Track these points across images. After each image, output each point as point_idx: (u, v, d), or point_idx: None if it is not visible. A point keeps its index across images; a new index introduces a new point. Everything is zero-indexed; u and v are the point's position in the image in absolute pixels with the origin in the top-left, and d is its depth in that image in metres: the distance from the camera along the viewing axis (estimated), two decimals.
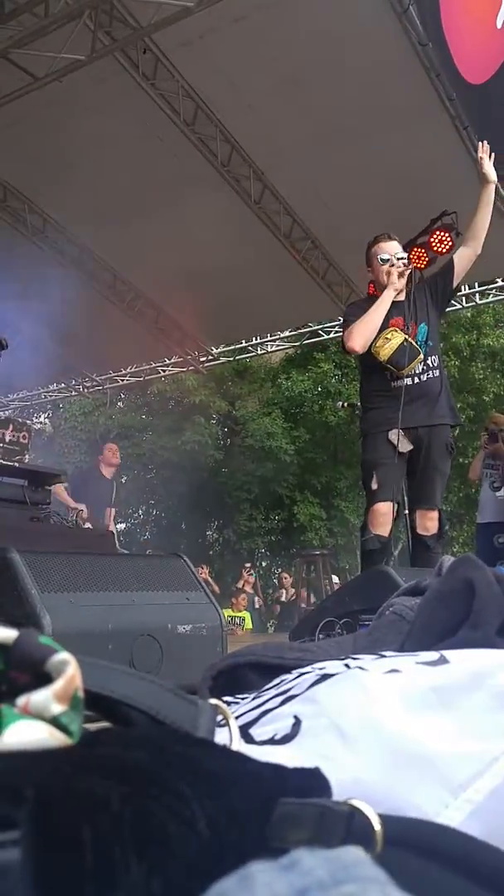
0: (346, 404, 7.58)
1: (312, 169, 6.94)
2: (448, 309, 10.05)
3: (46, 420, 21.68)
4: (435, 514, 4.15)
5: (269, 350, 11.60)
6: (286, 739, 0.56)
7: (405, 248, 6.60)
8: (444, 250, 6.49)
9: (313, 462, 17.70)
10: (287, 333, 11.03)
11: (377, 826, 0.41)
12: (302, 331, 10.91)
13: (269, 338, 10.83)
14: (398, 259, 4.26)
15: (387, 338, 4.07)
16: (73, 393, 12.63)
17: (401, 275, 4.16)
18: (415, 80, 5.82)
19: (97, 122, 6.52)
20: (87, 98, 6.24)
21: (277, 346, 11.56)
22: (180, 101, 6.40)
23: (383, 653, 0.74)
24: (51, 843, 0.30)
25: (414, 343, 4.09)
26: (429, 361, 4.15)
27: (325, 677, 0.64)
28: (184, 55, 6.03)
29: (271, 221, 7.67)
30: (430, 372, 4.14)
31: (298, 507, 17.24)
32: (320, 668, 0.68)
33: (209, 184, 7.15)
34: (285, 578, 13.42)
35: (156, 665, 2.25)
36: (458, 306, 9.89)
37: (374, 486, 4.02)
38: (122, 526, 20.45)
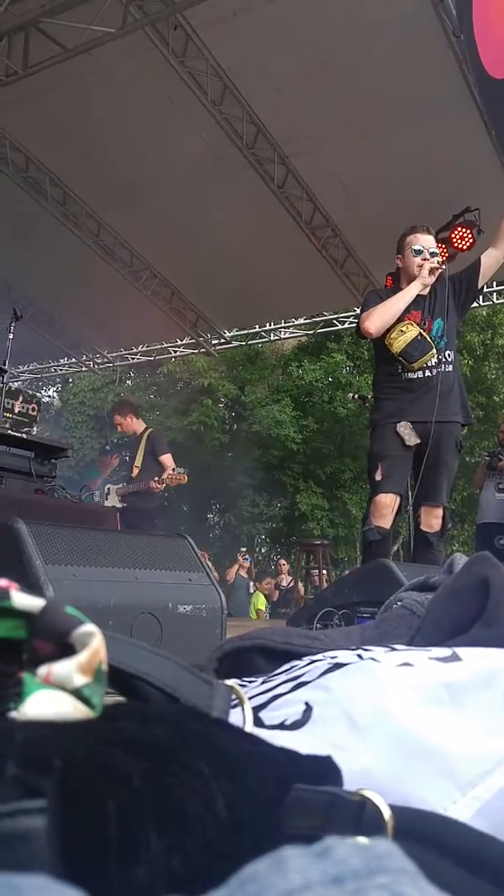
0: (357, 396, 7.55)
1: (337, 156, 6.89)
2: None
3: (55, 394, 21.70)
4: (440, 511, 4.12)
5: (283, 337, 11.57)
6: (297, 725, 0.56)
7: None
8: (465, 247, 6.45)
9: (319, 452, 17.67)
10: (301, 321, 10.99)
11: (387, 816, 0.41)
12: (316, 319, 10.86)
13: (282, 324, 10.79)
14: (431, 254, 4.21)
15: (402, 330, 4.04)
16: (83, 368, 12.62)
17: (431, 271, 4.12)
18: (447, 71, 5.77)
19: (123, 98, 6.48)
20: (115, 73, 6.19)
21: (291, 333, 11.52)
22: (208, 80, 6.35)
23: (394, 646, 0.74)
24: (75, 814, 0.30)
25: (428, 338, 4.06)
26: (443, 356, 4.11)
27: (337, 666, 0.64)
28: (214, 33, 5.97)
29: (293, 207, 7.62)
30: (444, 366, 4.09)
31: (301, 496, 17.24)
32: (332, 657, 0.67)
33: (233, 165, 7.11)
34: (283, 565, 13.45)
35: (154, 643, 2.26)
36: (475, 304, 9.84)
37: (379, 476, 4.01)
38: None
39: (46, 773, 0.31)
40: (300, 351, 18.25)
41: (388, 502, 3.95)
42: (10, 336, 4.58)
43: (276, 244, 8.07)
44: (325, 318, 10.66)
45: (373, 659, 0.65)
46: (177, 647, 2.28)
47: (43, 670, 0.39)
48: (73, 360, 12.15)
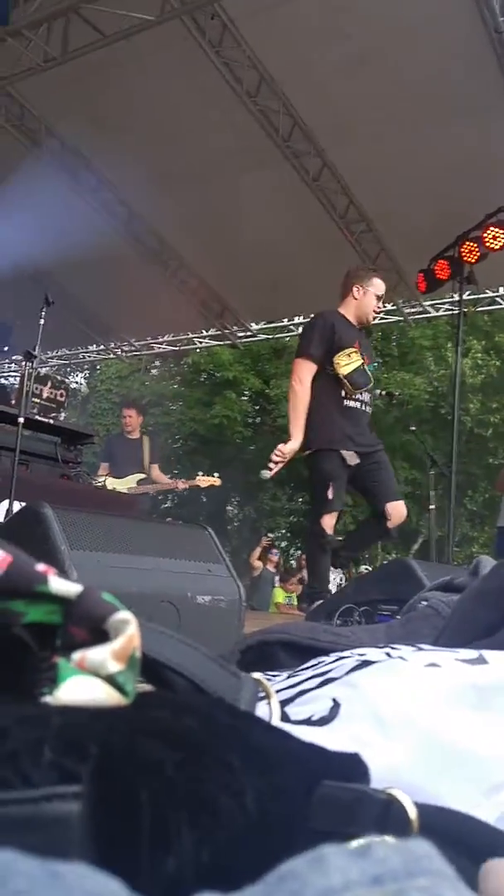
0: (384, 392, 7.52)
1: (373, 151, 6.84)
2: (493, 308, 9.95)
3: (83, 380, 21.82)
4: (402, 504, 4.45)
5: None
6: (324, 721, 0.56)
7: (458, 242, 6.54)
8: (497, 247, 6.40)
9: None
10: None
11: (413, 815, 0.41)
12: None
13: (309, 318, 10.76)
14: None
15: (349, 355, 4.26)
16: (111, 355, 12.66)
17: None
18: (486, 69, 5.71)
19: (160, 86, 6.47)
20: (152, 61, 6.19)
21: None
22: (245, 71, 6.33)
23: (421, 646, 0.74)
24: (109, 801, 0.30)
25: (367, 370, 4.39)
26: (372, 395, 4.54)
27: (365, 663, 0.64)
28: (252, 24, 5.95)
29: (327, 200, 7.58)
30: (370, 407, 4.49)
31: None
32: (360, 654, 0.67)
33: (267, 157, 7.08)
34: (304, 561, 13.44)
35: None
36: (503, 305, 9.76)
37: (330, 496, 4.20)
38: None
39: (83, 758, 0.31)
40: None
41: (334, 519, 4.30)
42: (42, 322, 4.60)
43: (308, 237, 8.04)
44: None
45: (401, 658, 0.65)
46: (194, 637, 2.28)
47: (77, 656, 0.39)
48: (102, 346, 12.20)
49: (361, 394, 4.28)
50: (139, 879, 0.29)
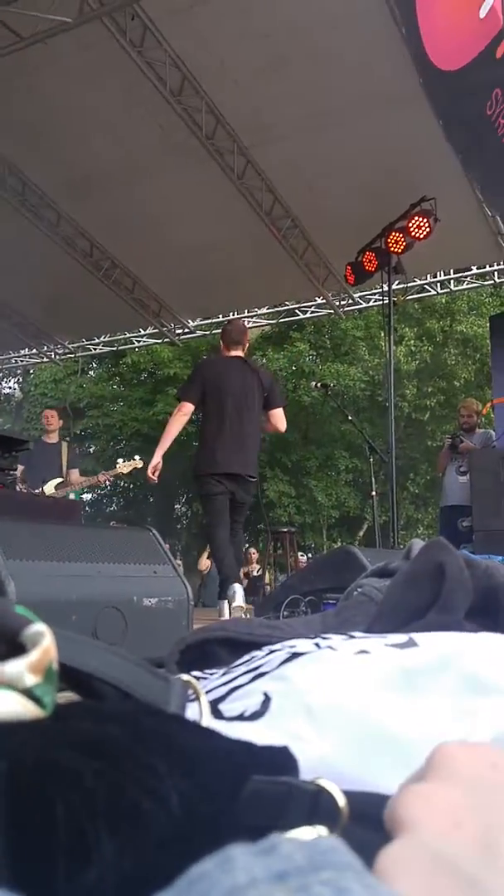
0: (320, 385, 7.58)
1: (297, 148, 6.88)
2: (422, 295, 10.11)
3: (16, 385, 21.44)
4: None
5: (246, 326, 11.54)
6: (256, 716, 0.56)
7: (384, 233, 6.63)
8: (422, 236, 6.51)
9: (284, 441, 17.72)
10: (264, 311, 10.99)
11: (342, 804, 0.41)
12: (279, 309, 10.87)
13: (246, 314, 10.78)
14: None
15: None
16: (45, 359, 12.48)
17: None
18: (402, 63, 5.76)
19: (82, 88, 6.39)
20: (73, 63, 6.10)
21: (254, 322, 11.51)
22: (167, 70, 6.28)
23: (352, 633, 0.75)
24: (24, 817, 0.30)
25: None
26: None
27: (295, 655, 0.64)
28: (173, 24, 5.91)
29: (253, 197, 7.60)
30: None
31: (268, 484, 17.28)
32: (290, 647, 0.68)
33: (192, 156, 7.06)
34: (252, 554, 13.47)
35: (119, 637, 2.25)
36: (433, 292, 9.93)
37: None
38: (88, 496, 20.34)
39: None
40: (264, 340, 18.26)
41: None
42: None
43: (237, 234, 8.05)
44: (287, 307, 10.67)
45: (330, 647, 0.65)
46: (142, 640, 2.28)
47: None
48: (34, 350, 12.01)
49: None
50: (56, 894, 0.29)
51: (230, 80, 6.26)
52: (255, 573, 12.41)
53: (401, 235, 6.53)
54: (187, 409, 5.05)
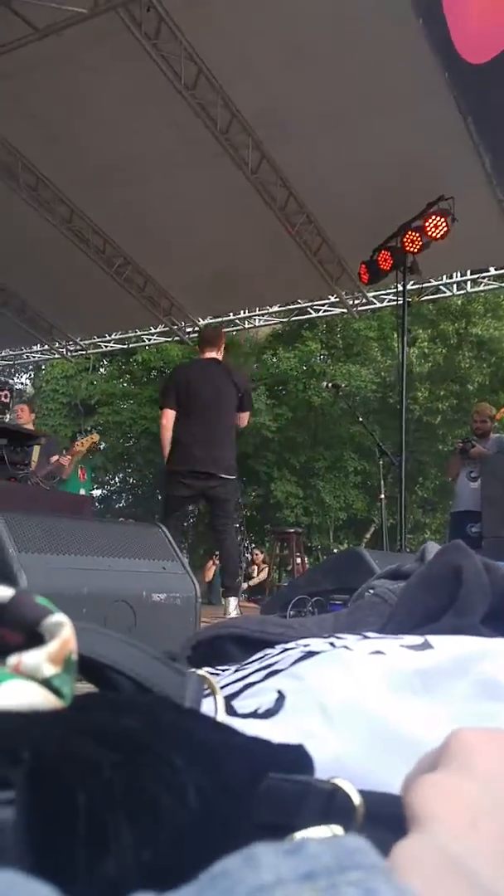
0: (331, 385, 7.57)
1: (312, 143, 6.85)
2: (438, 296, 10.08)
3: (28, 381, 21.50)
4: None
5: (257, 325, 11.54)
6: (269, 714, 0.56)
7: (400, 231, 6.60)
8: (439, 235, 6.48)
9: (294, 441, 17.72)
10: (276, 309, 10.98)
11: (357, 803, 0.41)
12: (291, 307, 10.85)
13: (257, 312, 10.77)
14: None
15: None
16: (56, 356, 12.51)
17: None
18: (422, 61, 5.74)
19: (95, 81, 6.38)
20: (87, 55, 6.10)
21: (265, 321, 11.50)
22: (182, 63, 6.28)
23: (367, 633, 0.74)
24: (45, 806, 0.30)
25: None
26: None
27: (310, 654, 0.64)
28: (189, 16, 5.90)
29: (267, 193, 7.58)
30: None
31: (276, 485, 17.28)
32: (305, 645, 0.67)
33: (206, 151, 7.04)
34: (257, 555, 13.47)
35: (128, 632, 2.25)
36: (448, 293, 9.89)
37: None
38: (98, 492, 20.38)
39: (14, 764, 0.30)
40: (275, 339, 18.25)
41: None
42: None
43: (250, 231, 8.03)
44: (299, 305, 10.64)
45: (345, 647, 0.65)
46: (150, 635, 2.28)
47: (13, 660, 0.38)
48: (46, 346, 12.04)
49: None
50: (76, 883, 0.28)
51: (246, 74, 6.25)
52: (256, 576, 12.41)
53: (417, 235, 6.51)
54: (169, 415, 5.18)
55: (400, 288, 6.65)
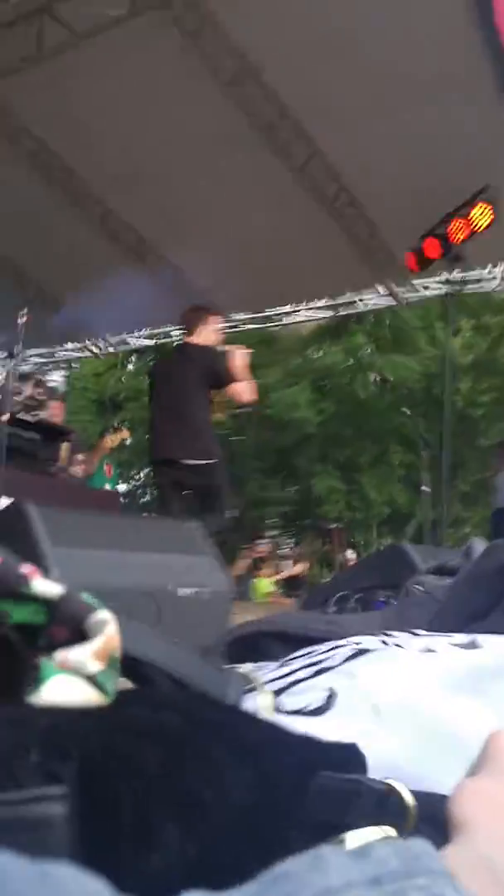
0: (379, 378, 7.54)
1: (359, 134, 6.78)
2: (482, 287, 9.92)
3: (62, 378, 21.76)
4: None
5: (298, 321, 11.47)
6: (319, 711, 0.55)
7: (446, 219, 6.51)
8: (486, 224, 6.37)
9: (338, 435, 17.63)
10: (322, 303, 10.90)
11: (411, 805, 0.40)
12: (338, 302, 10.76)
13: (300, 306, 10.70)
14: None
15: None
16: (88, 353, 12.61)
17: None
18: (470, 47, 5.60)
19: (136, 80, 6.37)
20: (130, 54, 6.11)
21: (309, 315, 11.44)
22: (224, 58, 6.26)
23: (416, 631, 0.73)
24: (93, 801, 0.30)
25: None
26: None
27: (361, 652, 0.63)
28: (230, 10, 5.87)
29: (314, 186, 7.52)
30: None
31: (317, 479, 17.23)
32: (356, 643, 0.67)
33: (250, 145, 7.02)
34: (293, 551, 13.45)
35: (155, 627, 2.25)
36: (495, 283, 9.68)
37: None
38: (123, 487, 20.50)
39: (65, 760, 0.31)
40: (320, 333, 18.16)
41: None
42: (20, 321, 4.56)
43: (293, 225, 7.97)
44: (346, 299, 10.51)
45: (398, 645, 0.64)
46: (179, 630, 2.27)
47: (59, 656, 0.38)
48: (79, 344, 12.15)
49: None
50: (125, 878, 0.28)
51: (290, 66, 6.21)
52: (289, 569, 12.39)
53: (463, 223, 6.41)
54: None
55: (445, 277, 6.57)
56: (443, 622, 0.80)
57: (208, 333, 5.13)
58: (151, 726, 0.36)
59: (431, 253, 6.70)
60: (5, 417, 3.92)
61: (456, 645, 0.64)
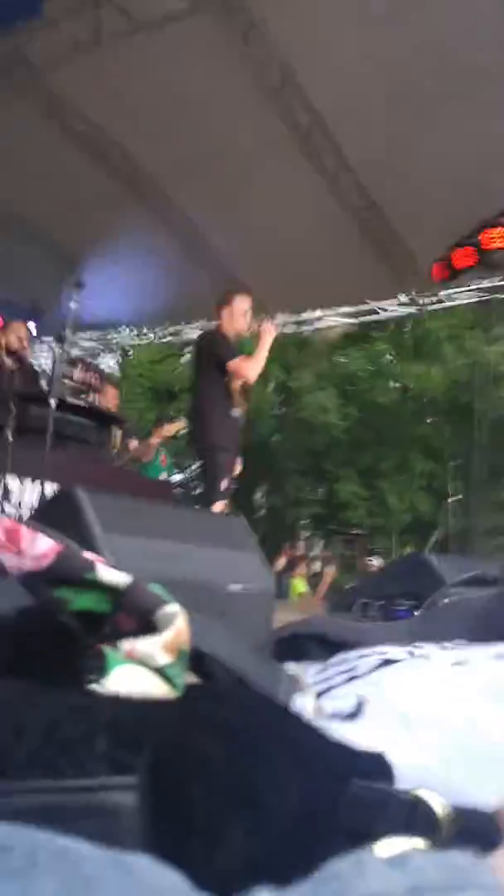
0: (399, 385, 7.48)
1: (387, 139, 6.73)
2: None
3: (115, 364, 21.78)
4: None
5: (328, 326, 11.46)
6: (350, 717, 0.56)
7: (479, 228, 6.43)
8: None
9: (360, 441, 17.58)
10: (346, 309, 10.88)
11: (441, 815, 0.40)
12: (361, 307, 10.73)
13: (328, 312, 10.68)
14: None
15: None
16: (144, 340, 12.69)
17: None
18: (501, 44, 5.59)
19: (188, 74, 6.41)
20: (184, 48, 6.13)
21: (335, 321, 11.41)
22: (269, 66, 6.27)
23: (444, 643, 0.73)
24: (163, 793, 0.31)
25: None
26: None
27: (387, 662, 0.63)
28: (279, 17, 5.87)
29: (343, 192, 7.52)
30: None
31: (341, 484, 17.18)
32: (381, 653, 0.67)
33: (284, 150, 7.02)
34: (321, 553, 13.41)
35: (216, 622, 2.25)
36: None
37: (223, 487, 4.48)
38: (177, 477, 20.50)
39: (136, 751, 0.31)
40: (346, 339, 18.11)
41: (223, 507, 4.36)
42: (74, 305, 4.55)
43: (326, 230, 7.93)
44: (369, 305, 10.49)
45: (424, 657, 0.64)
46: (227, 625, 2.27)
47: (126, 645, 0.39)
48: (135, 331, 12.22)
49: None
50: (193, 871, 0.29)
51: (326, 72, 6.19)
52: (325, 573, 12.35)
53: (498, 232, 6.32)
54: None
55: (478, 285, 6.49)
56: (477, 634, 0.80)
57: (233, 316, 4.89)
58: (218, 723, 0.37)
59: (462, 262, 6.58)
60: (53, 402, 3.88)
61: (490, 657, 0.64)
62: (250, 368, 4.70)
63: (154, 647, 0.38)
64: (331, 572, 11.08)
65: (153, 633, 0.39)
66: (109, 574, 0.40)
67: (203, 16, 5.54)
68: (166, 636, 0.39)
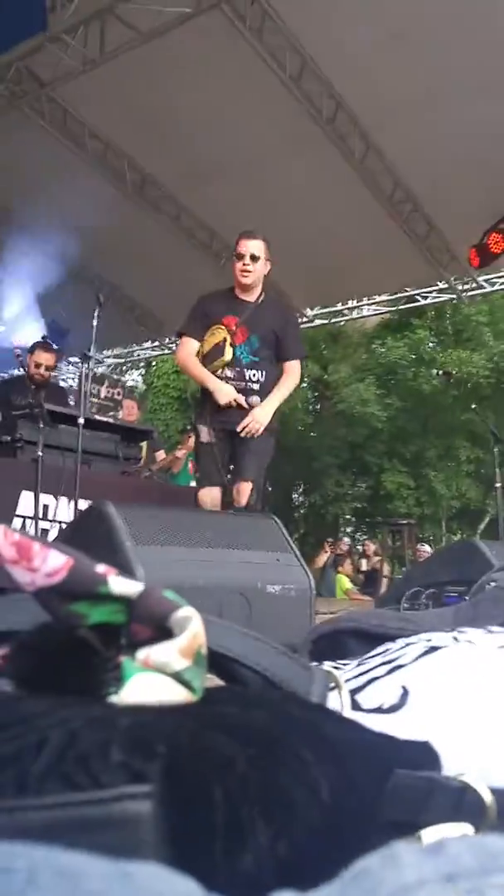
0: (442, 372, 7.42)
1: (418, 129, 6.71)
2: None
3: (139, 377, 22.01)
4: (246, 486, 3.97)
5: (365, 315, 11.41)
6: (394, 709, 0.55)
7: None
8: None
9: (404, 431, 17.42)
10: (384, 298, 10.81)
11: (489, 802, 0.40)
12: (399, 295, 10.65)
13: (365, 302, 10.64)
14: (252, 259, 4.28)
15: (212, 332, 4.09)
16: (166, 351, 12.74)
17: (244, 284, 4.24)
18: None
19: (201, 78, 6.44)
20: (193, 52, 6.16)
21: (374, 310, 11.35)
22: (286, 55, 6.26)
23: (490, 627, 0.72)
24: (181, 799, 0.30)
25: (227, 346, 4.05)
26: (248, 375, 4.06)
27: (433, 649, 0.63)
28: (291, 7, 5.88)
29: (374, 182, 7.48)
30: (247, 384, 4.07)
31: (386, 476, 17.06)
32: (427, 640, 0.66)
33: (312, 142, 7.00)
34: (368, 546, 13.35)
35: (244, 624, 2.27)
36: None
37: (198, 470, 4.09)
38: None
39: (151, 758, 0.31)
40: (383, 328, 17.98)
41: (207, 498, 3.92)
42: (95, 323, 4.62)
43: (357, 220, 7.94)
44: (407, 293, 10.43)
45: (469, 642, 0.64)
46: (266, 627, 2.29)
47: (142, 654, 0.39)
48: (156, 343, 12.29)
49: (224, 370, 4.04)
50: (216, 878, 0.29)
51: (350, 62, 6.17)
52: (366, 567, 12.31)
53: None
54: None
55: None
56: None
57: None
58: (239, 724, 0.36)
59: (495, 248, 6.55)
60: (81, 420, 3.98)
61: None
62: (184, 360, 4.21)
63: (170, 652, 0.38)
64: (376, 566, 11.01)
65: (169, 639, 0.39)
66: (121, 584, 0.39)
67: (210, 15, 5.57)
68: (181, 640, 0.38)
